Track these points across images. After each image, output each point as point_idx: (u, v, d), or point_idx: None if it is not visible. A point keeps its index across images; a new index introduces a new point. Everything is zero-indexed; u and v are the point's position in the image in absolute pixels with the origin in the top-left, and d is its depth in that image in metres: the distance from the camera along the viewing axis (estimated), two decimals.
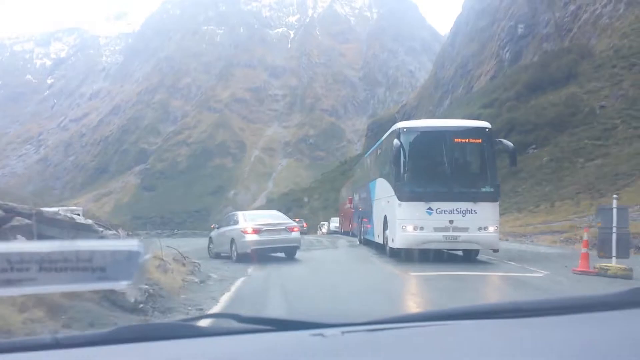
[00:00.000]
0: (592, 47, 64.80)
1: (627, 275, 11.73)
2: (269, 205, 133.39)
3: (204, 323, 1.52)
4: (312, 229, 68.31)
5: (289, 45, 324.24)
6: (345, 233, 37.00)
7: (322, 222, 66.19)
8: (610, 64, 57.08)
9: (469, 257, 15.43)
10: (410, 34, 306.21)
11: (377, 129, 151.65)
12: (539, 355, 1.14)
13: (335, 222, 47.91)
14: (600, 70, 57.63)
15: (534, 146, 47.46)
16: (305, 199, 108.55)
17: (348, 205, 33.21)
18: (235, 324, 1.49)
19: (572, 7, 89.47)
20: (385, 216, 16.09)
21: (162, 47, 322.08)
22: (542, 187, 38.93)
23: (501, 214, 40.33)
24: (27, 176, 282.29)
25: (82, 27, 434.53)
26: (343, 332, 1.38)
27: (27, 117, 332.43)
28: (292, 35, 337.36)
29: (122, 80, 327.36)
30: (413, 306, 8.10)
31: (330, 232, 48.94)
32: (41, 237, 8.62)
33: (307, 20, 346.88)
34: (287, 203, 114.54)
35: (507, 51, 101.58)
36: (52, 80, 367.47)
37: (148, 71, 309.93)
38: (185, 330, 1.43)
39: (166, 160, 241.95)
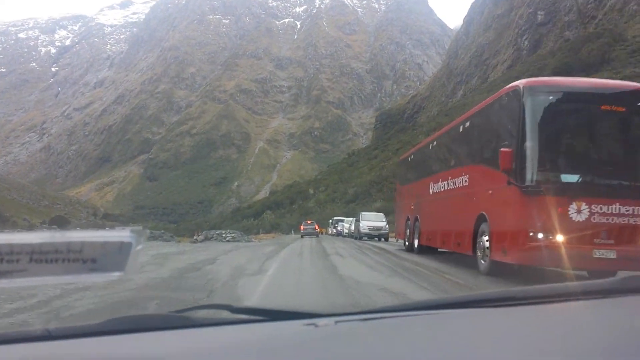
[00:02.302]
0: (623, 32, 60.71)
1: None
2: (271, 197, 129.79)
3: (197, 314, 1.51)
4: (324, 226, 63.77)
5: (296, 36, 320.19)
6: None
7: (335, 219, 55.79)
8: None
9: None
10: (419, 26, 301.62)
11: (385, 121, 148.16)
12: (532, 342, 1.16)
13: (372, 220, 32.20)
14: (635, 55, 53.76)
15: None
16: (311, 191, 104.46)
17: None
18: (228, 315, 1.49)
19: None
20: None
21: (166, 37, 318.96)
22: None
23: None
24: (30, 164, 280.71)
25: (87, 15, 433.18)
26: (336, 322, 1.39)
27: (31, 105, 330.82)
28: (298, 26, 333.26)
29: (127, 69, 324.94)
30: None
31: (352, 234, 38.33)
32: None
33: (314, 11, 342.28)
34: (292, 195, 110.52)
35: (525, 39, 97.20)
36: (57, 69, 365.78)
37: (152, 60, 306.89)
38: (178, 321, 1.43)
39: (169, 151, 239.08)
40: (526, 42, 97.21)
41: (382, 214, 34.17)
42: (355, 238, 32.80)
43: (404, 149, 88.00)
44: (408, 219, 18.22)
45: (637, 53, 54.24)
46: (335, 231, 52.39)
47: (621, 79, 51.45)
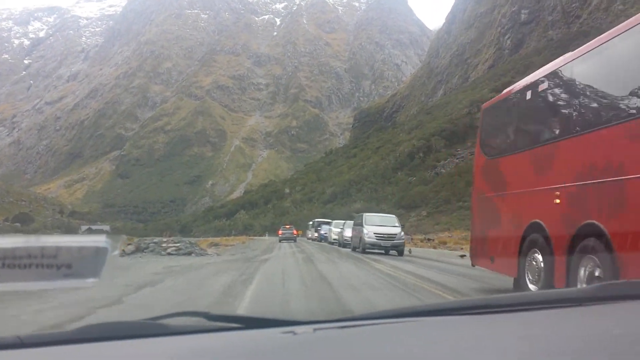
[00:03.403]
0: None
1: None
2: (246, 197, 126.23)
3: (172, 321, 1.48)
4: (302, 228, 59.88)
5: (275, 33, 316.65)
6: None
7: (316, 221, 47.72)
8: None
9: None
10: (398, 27, 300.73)
11: (364, 120, 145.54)
12: (508, 351, 1.16)
13: (381, 225, 23.20)
14: None
15: None
16: (287, 191, 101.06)
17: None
18: (205, 322, 1.47)
19: None
20: None
21: (143, 30, 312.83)
22: None
23: None
24: None
25: (63, 6, 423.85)
26: (315, 330, 1.37)
27: (2, 98, 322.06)
28: (278, 23, 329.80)
29: (101, 63, 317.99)
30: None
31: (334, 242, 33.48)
32: None
33: (294, 8, 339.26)
34: (267, 195, 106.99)
35: (508, 38, 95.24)
36: (30, 61, 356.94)
37: (128, 54, 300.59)
38: (153, 329, 1.40)
39: (143, 147, 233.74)
40: (509, 42, 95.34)
41: (393, 216, 25.22)
42: (354, 249, 23.86)
43: (385, 147, 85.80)
44: (530, 234, 7.80)
45: None
46: (316, 235, 44.79)
47: None
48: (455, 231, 26.94)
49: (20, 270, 1.05)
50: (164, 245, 19.31)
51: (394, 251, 21.63)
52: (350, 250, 24.48)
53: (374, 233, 21.62)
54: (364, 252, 21.61)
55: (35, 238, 1.06)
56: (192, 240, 26.47)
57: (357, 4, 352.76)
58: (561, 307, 1.61)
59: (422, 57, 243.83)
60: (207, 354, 1.25)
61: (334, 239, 33.65)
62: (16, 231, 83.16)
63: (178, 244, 19.90)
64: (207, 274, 11.86)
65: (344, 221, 32.49)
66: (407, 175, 54.04)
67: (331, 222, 38.05)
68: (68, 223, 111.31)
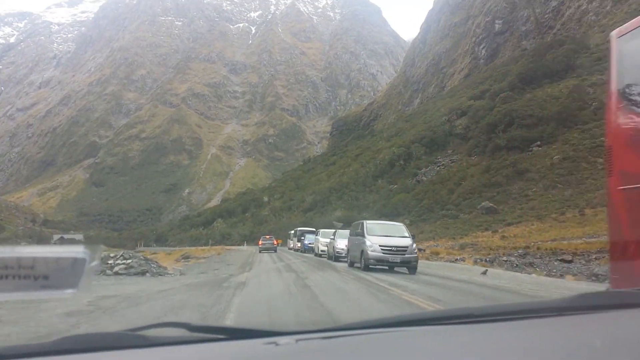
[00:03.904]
0: (585, 40, 60.33)
1: None
2: (223, 205, 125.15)
3: (153, 332, 1.44)
4: (282, 237, 59.17)
5: (250, 41, 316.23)
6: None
7: (299, 230, 44.09)
8: None
9: None
10: (373, 37, 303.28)
11: (341, 128, 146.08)
12: (490, 359, 1.17)
13: (387, 236, 18.36)
14: (601, 63, 53.01)
15: (538, 143, 41.70)
16: (265, 199, 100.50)
17: None
18: (186, 333, 1.45)
19: (553, 3, 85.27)
20: None
21: (116, 37, 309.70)
22: (559, 190, 32.94)
23: (517, 222, 33.78)
24: None
25: (34, 12, 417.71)
26: (297, 340, 1.36)
27: None
28: (253, 31, 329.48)
29: (74, 70, 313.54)
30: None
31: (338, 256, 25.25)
32: None
33: (269, 16, 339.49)
34: (245, 203, 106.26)
35: (483, 48, 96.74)
36: (0, 67, 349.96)
37: (101, 61, 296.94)
38: (133, 340, 1.37)
39: (117, 155, 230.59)
40: (483, 51, 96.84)
41: (401, 224, 20.61)
42: (352, 265, 19.73)
43: (365, 155, 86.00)
44: None
45: (602, 60, 53.46)
46: (299, 245, 41.24)
47: (589, 85, 50.93)
48: (440, 240, 26.59)
49: None
50: (110, 262, 15.36)
51: (402, 268, 17.35)
52: (347, 265, 20.19)
53: (380, 246, 17.16)
54: (366, 269, 17.19)
55: (10, 248, 1.02)
56: (157, 249, 25.00)
57: (331, 14, 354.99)
58: (542, 317, 1.61)
59: (397, 67, 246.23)
60: None
61: (322, 251, 29.16)
62: None
63: (129, 261, 15.76)
64: (148, 315, 7.41)
65: (333, 230, 29.52)
66: (388, 182, 54.15)
67: (317, 232, 33.04)
68: (40, 232, 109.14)
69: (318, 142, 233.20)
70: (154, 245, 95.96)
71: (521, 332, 1.46)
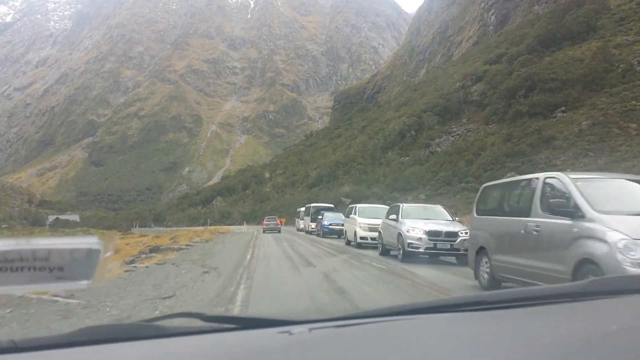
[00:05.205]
0: (606, 1, 56.53)
1: None
2: (223, 182, 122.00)
3: (168, 323, 1.45)
4: (285, 215, 55.55)
5: (249, 16, 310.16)
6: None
7: (313, 206, 36.90)
8: (636, 16, 48.94)
9: None
10: (374, 9, 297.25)
11: (344, 101, 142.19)
12: (503, 347, 1.17)
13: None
14: (624, 24, 49.45)
15: (563, 108, 38.30)
16: (267, 175, 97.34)
17: None
18: (200, 323, 1.46)
19: None
20: None
21: (113, 14, 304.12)
22: (592, 159, 29.84)
23: None
24: None
25: None
26: (310, 329, 1.36)
27: None
28: (252, 5, 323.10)
29: (71, 48, 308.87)
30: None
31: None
32: None
33: None
34: (245, 180, 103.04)
35: (492, 14, 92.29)
36: None
37: (98, 39, 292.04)
38: (148, 331, 1.39)
39: (116, 134, 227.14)
40: (493, 18, 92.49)
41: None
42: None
43: (372, 126, 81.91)
44: None
45: (625, 21, 49.93)
46: (312, 226, 34.39)
47: (614, 47, 47.34)
48: (463, 216, 23.07)
49: (13, 273, 1.03)
50: None
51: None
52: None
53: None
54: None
55: (26, 240, 1.04)
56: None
57: None
58: (555, 302, 1.61)
59: (399, 40, 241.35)
60: (203, 355, 1.25)
61: (362, 238, 20.43)
62: None
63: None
64: None
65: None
66: (399, 155, 50.72)
67: (353, 208, 23.37)
68: (36, 213, 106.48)
69: (319, 118, 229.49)
70: (152, 225, 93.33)
71: (535, 319, 1.47)
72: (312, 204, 37.78)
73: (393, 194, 37.89)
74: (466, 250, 12.22)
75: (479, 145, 39.98)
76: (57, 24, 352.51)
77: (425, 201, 30.29)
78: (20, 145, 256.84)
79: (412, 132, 52.36)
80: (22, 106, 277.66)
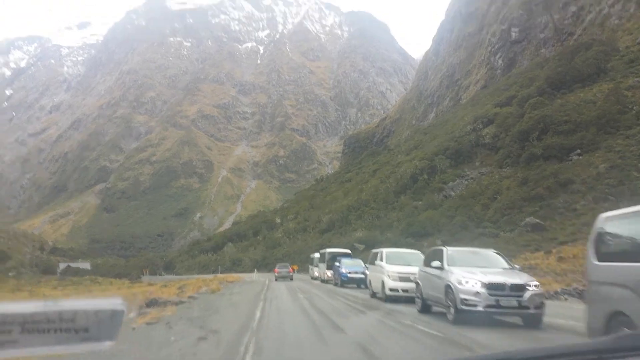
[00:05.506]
0: (614, 43, 56.82)
1: None
2: (234, 228, 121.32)
3: None
4: (297, 262, 54.51)
5: (259, 61, 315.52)
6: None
7: (329, 252, 34.44)
8: None
9: None
10: (381, 55, 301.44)
11: (354, 145, 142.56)
12: None
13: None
14: (634, 65, 49.49)
15: (578, 151, 37.90)
16: (278, 220, 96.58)
17: None
18: None
19: (572, 9, 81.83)
20: None
21: (125, 59, 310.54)
22: (612, 203, 29.21)
23: (572, 241, 28.93)
24: None
25: (44, 36, 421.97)
26: None
27: None
28: (261, 51, 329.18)
29: (84, 93, 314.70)
30: None
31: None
32: None
33: (277, 36, 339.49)
34: (256, 225, 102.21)
35: (499, 57, 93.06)
36: (11, 92, 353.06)
37: (111, 84, 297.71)
38: None
39: (128, 179, 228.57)
40: (500, 61, 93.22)
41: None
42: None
43: (383, 170, 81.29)
44: None
45: (636, 62, 49.91)
46: (328, 275, 32.09)
47: (625, 89, 47.25)
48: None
49: (40, 335, 1.04)
50: None
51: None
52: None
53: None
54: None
55: (53, 302, 1.04)
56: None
57: (339, 32, 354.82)
58: (581, 359, 1.56)
59: (406, 85, 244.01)
60: None
61: (392, 290, 17.36)
62: None
63: None
64: None
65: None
66: (412, 198, 50.08)
67: (378, 253, 20.24)
68: (47, 260, 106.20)
69: (329, 163, 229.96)
70: (163, 273, 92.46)
71: None
72: (328, 250, 35.51)
73: (407, 239, 37.26)
74: (537, 307, 10.75)
75: (494, 189, 39.47)
76: (70, 70, 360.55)
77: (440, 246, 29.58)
78: (34, 191, 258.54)
79: (425, 176, 51.95)
80: (36, 152, 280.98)
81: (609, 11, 73.78)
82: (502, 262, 12.74)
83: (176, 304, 17.51)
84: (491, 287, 10.98)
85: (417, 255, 18.38)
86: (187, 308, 16.50)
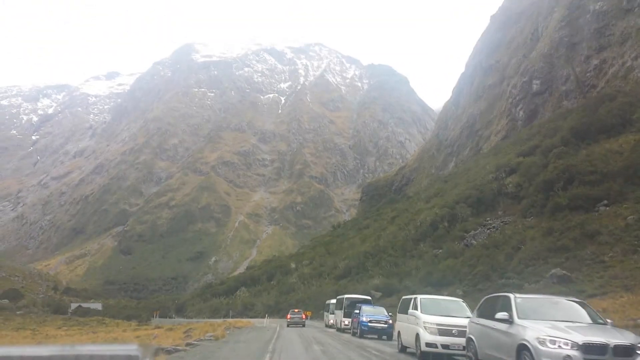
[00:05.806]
0: (638, 94, 56.24)
1: None
2: (247, 272, 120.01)
3: None
4: (311, 308, 53.16)
5: (280, 111, 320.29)
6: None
7: (348, 298, 32.56)
8: None
9: None
10: (401, 105, 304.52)
11: (372, 193, 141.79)
12: None
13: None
14: None
15: (605, 202, 36.70)
16: (293, 265, 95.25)
17: None
18: None
19: (595, 62, 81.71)
20: None
21: (150, 107, 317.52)
22: None
23: (601, 294, 28.07)
24: (1, 234, 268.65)
25: (72, 84, 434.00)
26: None
27: (8, 173, 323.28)
28: (283, 101, 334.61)
29: (108, 139, 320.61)
30: None
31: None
32: None
33: (299, 87, 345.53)
34: (270, 270, 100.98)
35: (520, 109, 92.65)
36: (37, 137, 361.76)
37: (135, 131, 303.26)
38: None
39: (146, 223, 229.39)
40: (521, 112, 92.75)
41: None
42: None
43: (402, 217, 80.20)
44: None
45: None
46: (346, 323, 30.22)
47: None
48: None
49: None
50: None
51: None
52: None
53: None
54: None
55: (70, 347, 1.01)
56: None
57: (359, 84, 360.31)
58: None
59: (425, 135, 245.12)
60: None
61: (430, 345, 14.49)
62: (3, 308, 78.22)
63: None
64: None
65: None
66: (432, 247, 48.83)
67: (413, 299, 16.92)
68: (60, 300, 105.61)
69: (347, 210, 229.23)
70: (174, 316, 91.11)
71: None
72: (346, 296, 33.15)
73: (427, 288, 35.90)
74: None
75: (518, 239, 38.17)
76: (96, 117, 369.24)
77: (463, 297, 27.93)
78: (53, 232, 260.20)
79: (445, 224, 50.76)
80: (58, 195, 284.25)
81: (632, 64, 73.33)
82: (587, 316, 10.30)
83: (168, 352, 15.51)
84: (588, 349, 8.46)
85: (458, 303, 16.37)
86: (179, 359, 14.32)
